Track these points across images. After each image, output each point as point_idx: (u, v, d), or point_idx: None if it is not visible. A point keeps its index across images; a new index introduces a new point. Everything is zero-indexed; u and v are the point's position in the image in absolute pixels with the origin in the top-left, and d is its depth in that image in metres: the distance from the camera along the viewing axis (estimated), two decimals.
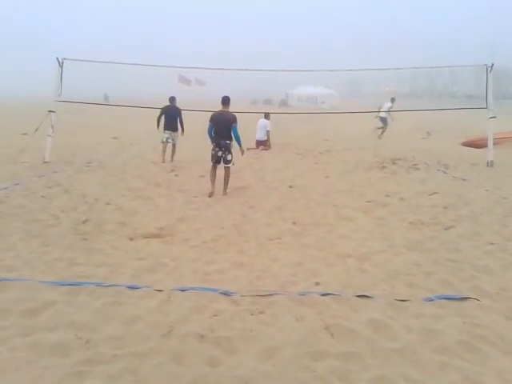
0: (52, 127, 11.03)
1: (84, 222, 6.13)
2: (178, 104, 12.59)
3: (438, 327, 3.55)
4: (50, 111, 11.06)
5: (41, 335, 3.27)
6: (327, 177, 10.28)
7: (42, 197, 7.41)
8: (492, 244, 5.58)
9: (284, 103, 62.40)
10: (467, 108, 13.69)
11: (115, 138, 16.89)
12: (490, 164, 11.46)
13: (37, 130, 10.80)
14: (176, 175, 10.05)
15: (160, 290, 4.04)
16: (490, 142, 11.70)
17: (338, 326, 3.52)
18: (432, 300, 4.03)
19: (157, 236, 5.69)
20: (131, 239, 5.54)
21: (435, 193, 8.42)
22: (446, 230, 6.21)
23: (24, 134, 15.16)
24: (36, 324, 3.44)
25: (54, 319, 3.50)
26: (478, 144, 14.87)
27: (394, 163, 11.84)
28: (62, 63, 11.00)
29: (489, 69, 11.50)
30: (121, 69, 14.89)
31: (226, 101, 8.54)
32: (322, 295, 4.06)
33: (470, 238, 5.79)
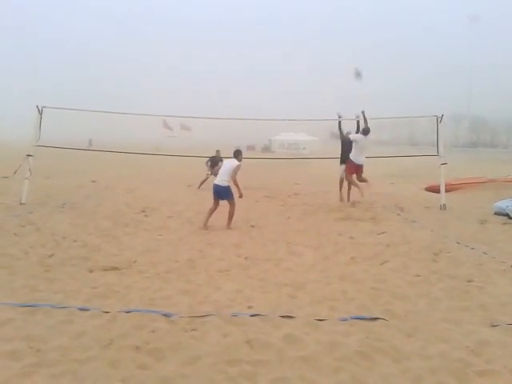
0: (30, 170, 11.65)
1: (50, 257, 6.69)
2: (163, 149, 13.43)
3: (343, 341, 4.15)
4: (27, 155, 11.72)
5: None
6: (289, 218, 10.98)
7: (14, 234, 7.96)
8: (418, 276, 6.24)
9: (267, 149, 64.09)
10: (421, 155, 14.69)
11: (93, 181, 17.53)
12: (443, 207, 12.26)
13: (15, 172, 11.43)
14: (146, 216, 10.66)
15: (107, 312, 4.61)
16: (443, 187, 12.57)
17: (258, 340, 4.11)
18: (346, 320, 4.64)
19: (115, 269, 6.24)
20: (90, 271, 6.10)
21: (383, 232, 9.13)
22: (381, 264, 6.88)
23: (4, 177, 15.77)
24: None
25: (11, 333, 4.07)
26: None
27: (354, 206, 12.61)
28: (42, 111, 11.74)
29: (439, 119, 12.51)
30: (103, 116, 15.69)
31: None
32: (251, 316, 4.65)
33: (398, 271, 6.45)
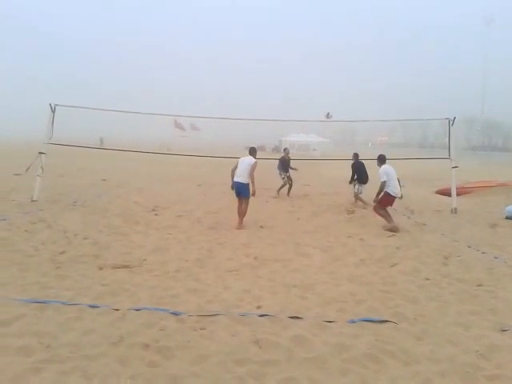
0: (42, 168, 11.74)
1: (61, 254, 6.74)
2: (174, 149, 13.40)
3: (352, 343, 4.14)
4: (40, 153, 11.81)
5: (9, 340, 3.87)
6: (298, 219, 10.98)
7: (26, 231, 8.03)
8: (428, 279, 6.20)
9: (277, 149, 63.95)
10: (432, 158, 14.60)
11: (104, 179, 17.62)
12: (454, 211, 12.16)
13: (27, 169, 11.55)
14: (156, 214, 10.70)
15: (117, 309, 4.65)
16: (454, 191, 12.46)
17: (266, 340, 4.12)
18: (354, 322, 4.63)
19: (125, 267, 6.27)
20: (101, 269, 6.14)
21: (393, 235, 9.09)
22: (391, 266, 6.84)
23: (17, 174, 15.94)
24: (6, 332, 4.05)
25: (22, 328, 4.13)
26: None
27: (364, 208, 12.57)
28: (54, 109, 11.82)
29: (451, 122, 12.40)
30: (115, 115, 15.76)
31: None
32: (260, 316, 4.66)
33: (408, 274, 6.42)
